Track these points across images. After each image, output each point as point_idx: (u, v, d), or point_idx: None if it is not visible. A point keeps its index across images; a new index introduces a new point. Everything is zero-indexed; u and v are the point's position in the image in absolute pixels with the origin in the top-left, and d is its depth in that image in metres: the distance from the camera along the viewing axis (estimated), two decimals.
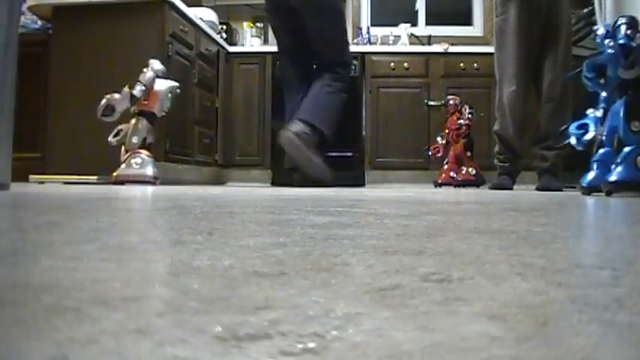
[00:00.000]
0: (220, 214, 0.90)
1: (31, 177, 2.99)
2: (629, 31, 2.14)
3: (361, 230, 0.64)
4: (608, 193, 2.11)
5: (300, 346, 0.20)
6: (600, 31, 2.27)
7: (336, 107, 3.21)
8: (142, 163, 2.85)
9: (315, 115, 3.09)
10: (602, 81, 2.23)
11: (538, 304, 0.28)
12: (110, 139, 2.89)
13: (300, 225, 0.71)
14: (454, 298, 0.29)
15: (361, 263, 0.40)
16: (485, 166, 3.76)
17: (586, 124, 2.32)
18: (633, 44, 2.12)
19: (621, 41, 2.13)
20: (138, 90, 2.86)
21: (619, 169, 2.10)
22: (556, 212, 1.18)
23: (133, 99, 2.86)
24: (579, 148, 2.36)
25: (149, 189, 2.36)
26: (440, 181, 3.91)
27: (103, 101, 2.85)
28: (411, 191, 2.75)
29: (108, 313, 0.24)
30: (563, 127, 2.51)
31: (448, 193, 2.60)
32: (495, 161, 3.41)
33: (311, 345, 0.20)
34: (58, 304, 0.26)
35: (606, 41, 2.16)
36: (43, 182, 2.92)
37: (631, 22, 2.18)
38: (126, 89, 2.87)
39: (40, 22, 3.58)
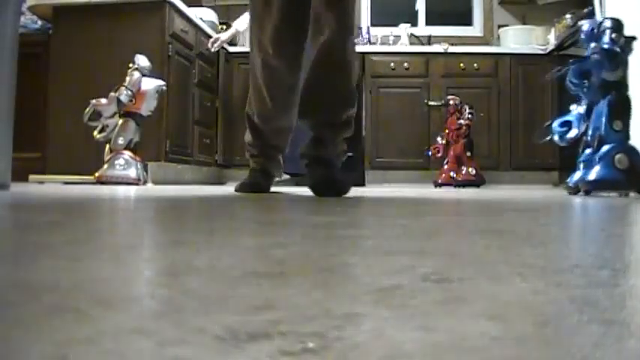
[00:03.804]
0: (220, 214, 0.90)
1: (31, 177, 2.99)
2: (613, 35, 2.16)
3: (361, 230, 0.64)
4: (587, 192, 2.12)
5: (300, 346, 0.20)
6: (585, 27, 2.28)
7: None
8: (125, 165, 2.83)
9: None
10: (585, 84, 2.24)
11: (538, 304, 0.28)
12: (96, 134, 2.88)
13: (300, 225, 0.71)
14: (454, 298, 0.29)
15: (361, 263, 0.40)
16: (485, 166, 3.75)
17: (569, 122, 2.33)
18: (617, 49, 2.14)
19: (606, 46, 2.16)
20: (124, 95, 2.83)
21: (597, 168, 2.12)
22: (556, 212, 1.18)
23: (119, 104, 2.85)
24: (562, 144, 2.37)
25: (148, 188, 2.36)
26: (440, 181, 3.91)
27: (89, 107, 2.85)
28: (411, 191, 2.75)
29: (108, 313, 0.24)
30: (547, 124, 2.48)
31: (448, 193, 2.60)
32: None
33: (311, 345, 0.20)
34: (58, 304, 0.26)
35: (592, 45, 2.19)
36: (43, 182, 2.92)
37: (615, 26, 2.20)
38: (112, 94, 2.85)
39: (40, 22, 3.57)
